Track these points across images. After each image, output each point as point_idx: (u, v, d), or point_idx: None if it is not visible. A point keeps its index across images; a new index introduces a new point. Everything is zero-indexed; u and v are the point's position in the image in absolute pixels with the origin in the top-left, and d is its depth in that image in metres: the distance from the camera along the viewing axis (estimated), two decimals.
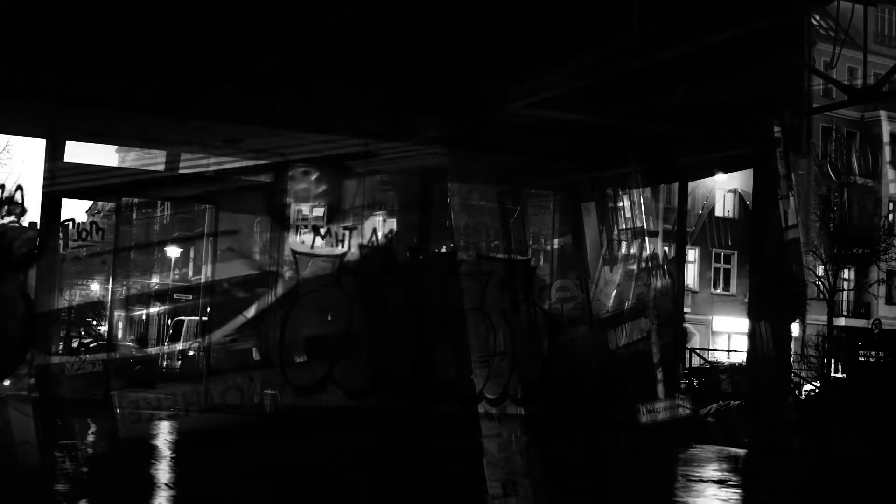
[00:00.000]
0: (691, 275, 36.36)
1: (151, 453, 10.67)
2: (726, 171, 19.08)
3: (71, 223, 13.73)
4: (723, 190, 37.85)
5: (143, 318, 46.49)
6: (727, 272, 39.61)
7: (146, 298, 44.39)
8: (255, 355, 14.89)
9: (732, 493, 10.12)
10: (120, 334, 42.67)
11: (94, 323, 24.57)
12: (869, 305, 39.32)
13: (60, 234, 13.58)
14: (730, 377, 20.51)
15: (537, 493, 8.89)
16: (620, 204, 16.23)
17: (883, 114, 38.49)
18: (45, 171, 13.38)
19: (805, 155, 30.63)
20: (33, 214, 13.37)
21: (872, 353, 17.73)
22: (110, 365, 15.28)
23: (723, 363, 24.24)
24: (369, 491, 8.92)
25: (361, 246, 15.17)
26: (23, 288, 13.06)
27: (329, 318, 14.83)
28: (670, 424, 14.66)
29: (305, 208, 14.47)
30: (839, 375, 20.41)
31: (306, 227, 14.41)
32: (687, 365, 19.80)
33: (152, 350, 34.85)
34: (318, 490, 8.85)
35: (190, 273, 38.29)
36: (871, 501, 10.26)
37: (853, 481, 11.10)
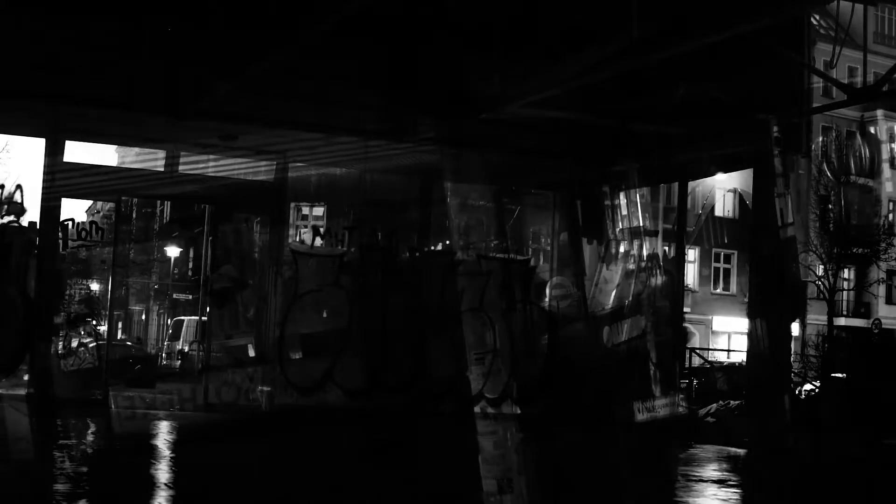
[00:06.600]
0: (691, 274, 36.36)
1: (149, 452, 10.67)
2: (726, 170, 19.07)
3: (71, 223, 13.71)
4: (723, 190, 37.86)
5: (143, 317, 46.53)
6: (727, 272, 39.61)
7: (146, 298, 44.42)
8: (251, 352, 14.89)
9: (732, 493, 10.12)
10: (119, 334, 42.73)
11: (94, 322, 24.53)
12: (869, 305, 39.34)
13: (60, 234, 13.57)
14: (726, 376, 20.50)
15: (536, 494, 8.88)
16: (618, 203, 16.21)
17: (880, 113, 38.55)
18: (45, 171, 13.37)
19: (805, 155, 30.63)
20: (33, 214, 13.37)
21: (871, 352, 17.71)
22: (109, 364, 15.26)
23: (723, 363, 24.23)
24: (365, 489, 8.91)
25: (361, 245, 15.15)
26: (22, 287, 13.05)
27: (328, 317, 14.81)
28: (670, 424, 14.66)
29: (305, 208, 14.46)
30: (839, 375, 20.37)
31: (306, 226, 14.39)
32: (687, 365, 19.78)
33: (152, 349, 34.89)
34: (314, 486, 8.84)
35: (189, 272, 38.25)
36: (866, 500, 10.26)
37: (849, 481, 11.09)
